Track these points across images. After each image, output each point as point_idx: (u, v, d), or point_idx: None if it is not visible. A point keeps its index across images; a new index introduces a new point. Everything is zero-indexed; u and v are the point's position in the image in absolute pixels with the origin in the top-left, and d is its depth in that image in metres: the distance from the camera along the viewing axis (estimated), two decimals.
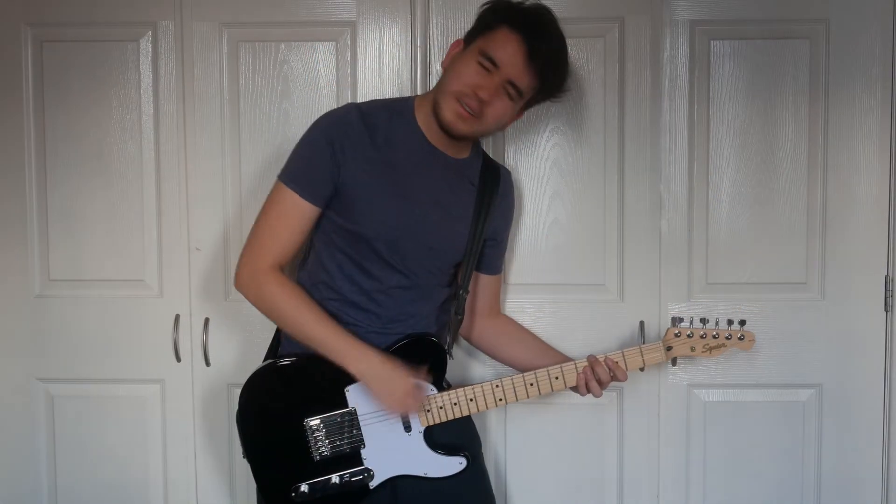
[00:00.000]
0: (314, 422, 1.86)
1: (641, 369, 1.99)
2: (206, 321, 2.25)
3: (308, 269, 1.94)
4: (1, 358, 2.32)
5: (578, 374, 1.94)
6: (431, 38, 2.21)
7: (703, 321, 1.98)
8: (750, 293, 2.23)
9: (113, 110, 2.26)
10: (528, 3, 1.87)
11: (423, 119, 1.89)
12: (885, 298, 2.21)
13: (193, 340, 2.26)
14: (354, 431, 1.86)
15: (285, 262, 1.88)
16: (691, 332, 1.97)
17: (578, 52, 2.20)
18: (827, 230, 2.21)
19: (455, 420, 1.91)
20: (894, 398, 2.23)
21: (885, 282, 2.21)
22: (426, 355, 1.90)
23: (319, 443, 1.86)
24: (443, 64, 1.90)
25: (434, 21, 2.21)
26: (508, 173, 2.09)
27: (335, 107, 2.01)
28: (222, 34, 2.23)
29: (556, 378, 1.94)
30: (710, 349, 1.96)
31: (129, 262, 2.28)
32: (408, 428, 1.88)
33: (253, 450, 1.89)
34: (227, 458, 2.30)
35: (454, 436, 1.93)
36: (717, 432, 2.26)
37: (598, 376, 1.94)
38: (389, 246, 1.86)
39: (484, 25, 1.82)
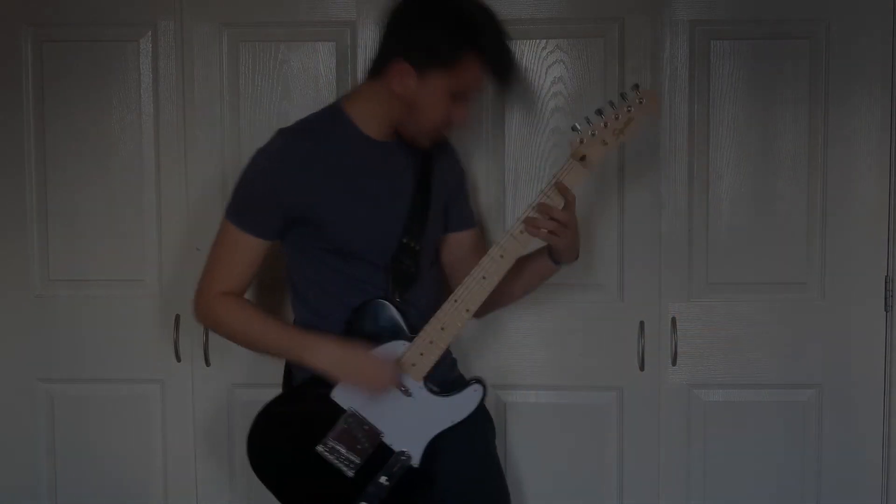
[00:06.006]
0: (327, 444, 1.82)
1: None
2: None
3: (301, 290, 1.91)
4: (1, 358, 2.32)
5: (519, 236, 1.81)
6: None
7: (597, 111, 1.80)
8: (750, 293, 2.23)
9: (113, 110, 2.26)
10: (478, 14, 1.77)
11: (358, 118, 1.84)
12: (885, 298, 2.21)
13: (193, 340, 2.26)
14: (366, 427, 1.82)
15: (238, 292, 1.88)
16: (593, 130, 1.79)
17: (578, 52, 2.20)
18: (827, 230, 2.21)
19: (442, 365, 1.86)
20: (894, 398, 2.23)
21: (885, 282, 2.21)
22: (379, 316, 1.84)
23: (344, 458, 1.82)
24: (393, 88, 1.78)
25: None
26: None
27: None
28: (222, 34, 2.23)
29: (502, 257, 1.82)
30: (621, 131, 1.81)
31: (130, 261, 2.28)
32: (408, 393, 1.83)
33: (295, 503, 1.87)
34: (227, 458, 2.30)
35: (452, 376, 1.92)
36: (717, 432, 2.26)
37: (540, 224, 1.80)
38: (366, 246, 1.84)
39: (448, 57, 1.74)
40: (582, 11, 2.20)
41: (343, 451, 1.82)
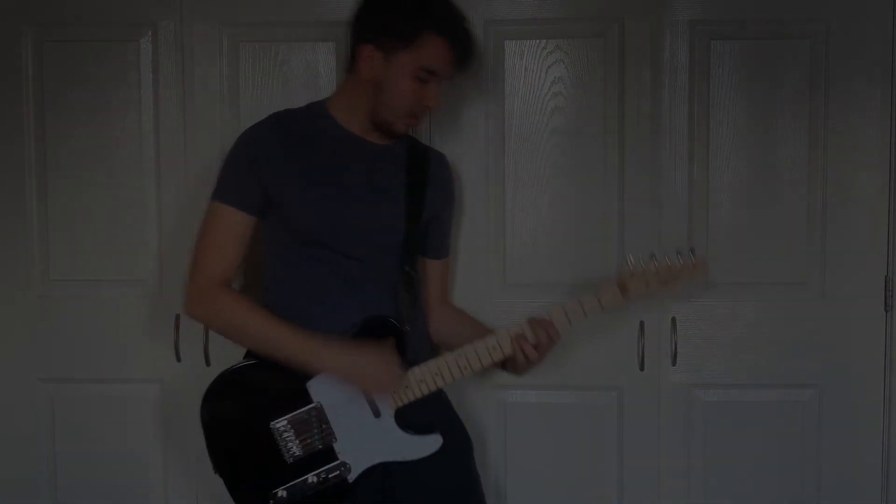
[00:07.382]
0: (281, 423, 1.84)
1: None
2: None
3: (270, 288, 1.94)
4: (1, 358, 2.32)
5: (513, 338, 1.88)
6: None
7: (653, 256, 1.92)
8: (750, 293, 2.23)
9: (113, 110, 2.26)
10: None
11: (340, 114, 1.92)
12: (885, 298, 2.21)
13: (193, 340, 2.25)
14: (324, 426, 1.84)
15: (231, 277, 1.89)
16: (644, 269, 1.89)
17: (578, 52, 2.20)
18: (827, 230, 2.21)
19: (426, 399, 1.88)
20: (894, 398, 2.23)
21: (885, 282, 2.21)
22: (384, 336, 1.86)
23: (290, 444, 1.84)
24: (362, 73, 1.86)
25: None
26: (441, 155, 2.08)
27: None
28: (222, 34, 2.23)
29: (503, 344, 1.88)
30: (666, 282, 1.90)
31: (130, 261, 2.28)
32: (377, 413, 1.85)
33: (223, 463, 1.88)
34: None
35: (426, 415, 1.91)
36: (717, 432, 2.26)
37: (537, 340, 1.88)
38: (333, 236, 1.87)
39: (406, 33, 1.82)
40: (582, 12, 2.20)
41: (291, 437, 1.84)
